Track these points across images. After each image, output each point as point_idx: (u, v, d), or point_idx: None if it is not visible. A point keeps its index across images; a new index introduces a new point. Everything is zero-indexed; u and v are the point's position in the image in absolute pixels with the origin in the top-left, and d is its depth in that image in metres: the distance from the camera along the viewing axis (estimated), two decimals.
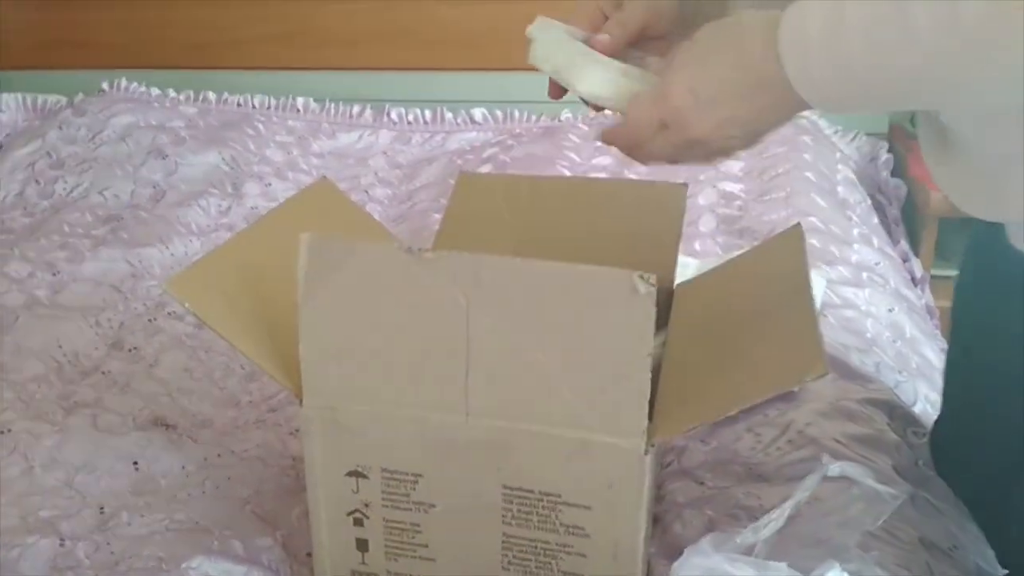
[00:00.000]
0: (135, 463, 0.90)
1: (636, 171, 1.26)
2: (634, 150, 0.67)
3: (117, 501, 0.85)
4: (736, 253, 1.04)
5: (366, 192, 1.52)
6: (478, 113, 1.69)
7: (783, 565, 0.56)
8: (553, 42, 0.72)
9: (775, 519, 0.69)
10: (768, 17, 0.59)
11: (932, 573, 0.73)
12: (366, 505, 0.71)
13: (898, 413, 0.94)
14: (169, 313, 1.18)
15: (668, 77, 0.63)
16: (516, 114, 1.68)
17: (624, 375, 0.63)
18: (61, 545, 0.80)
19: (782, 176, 1.40)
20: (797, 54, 0.57)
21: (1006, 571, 0.73)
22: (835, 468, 0.71)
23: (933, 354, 1.17)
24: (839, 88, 0.57)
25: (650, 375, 0.63)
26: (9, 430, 0.94)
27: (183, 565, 0.77)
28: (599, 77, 0.69)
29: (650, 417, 0.66)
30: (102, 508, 0.84)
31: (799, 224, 0.81)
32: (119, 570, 0.77)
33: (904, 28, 0.52)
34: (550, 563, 0.69)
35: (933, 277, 1.41)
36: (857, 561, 0.65)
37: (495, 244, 0.90)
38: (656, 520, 0.85)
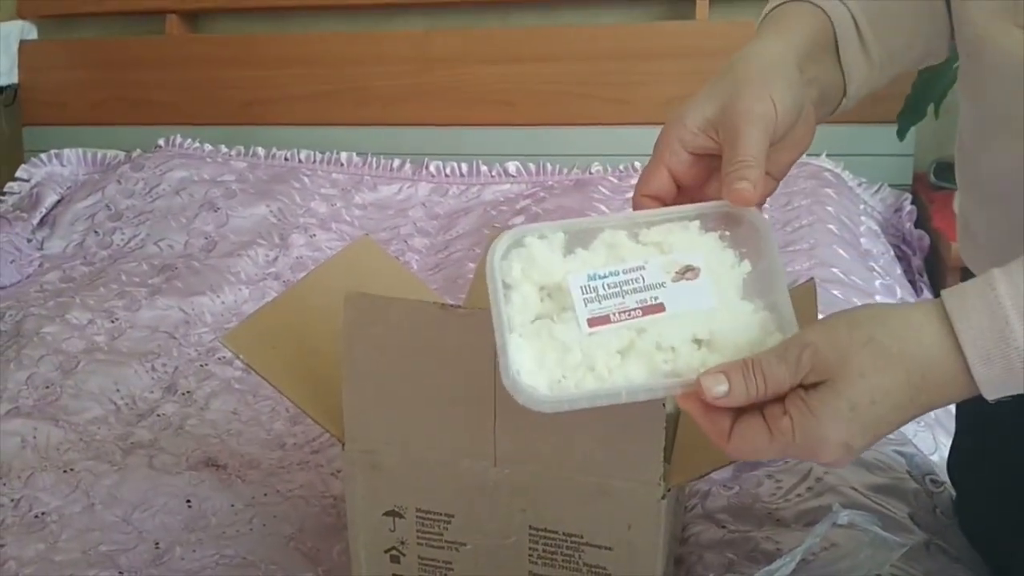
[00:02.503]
0: (188, 501, 0.95)
1: None
2: (720, 443, 0.53)
3: (171, 537, 0.91)
4: None
5: (405, 241, 1.58)
6: (512, 166, 1.75)
7: None
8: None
9: (787, 563, 0.72)
10: (909, 313, 0.50)
11: None
12: (402, 543, 0.76)
13: (916, 462, 0.97)
14: (219, 358, 1.24)
15: (810, 427, 0.49)
16: (548, 167, 1.74)
17: (640, 425, 0.67)
18: None
19: (805, 228, 1.44)
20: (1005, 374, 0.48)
21: None
22: (844, 516, 0.74)
23: (953, 404, 1.19)
24: None
25: (664, 425, 0.67)
26: (72, 469, 1.01)
27: None
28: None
29: (669, 462, 0.70)
30: (157, 543, 0.90)
31: (812, 279, 0.85)
32: None
33: None
34: None
35: None
36: None
37: None
38: (679, 561, 0.88)
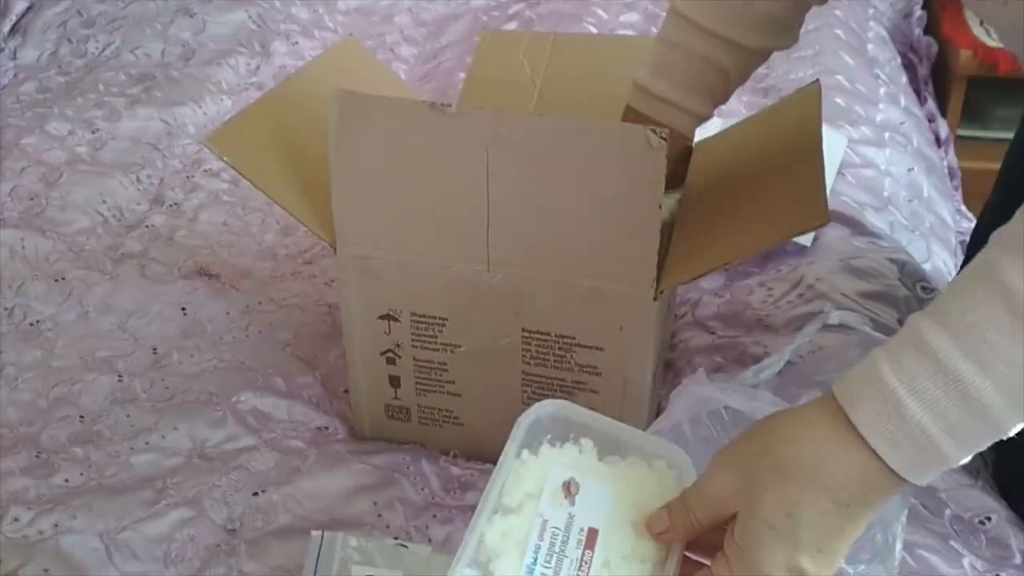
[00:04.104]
0: (183, 309, 0.96)
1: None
2: None
3: (168, 343, 0.92)
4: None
5: (391, 50, 1.52)
6: None
7: (768, 394, 0.61)
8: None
9: (775, 362, 0.74)
10: (801, 413, 0.49)
11: None
12: (397, 345, 0.77)
13: (908, 269, 0.97)
14: (205, 171, 1.22)
15: (745, 561, 0.48)
16: None
17: (635, 226, 0.66)
18: (119, 381, 0.87)
19: (811, 33, 1.37)
20: (906, 440, 0.46)
21: None
22: (835, 316, 0.75)
23: (948, 214, 1.18)
24: (978, 442, 0.47)
25: (659, 226, 0.67)
26: (63, 278, 1.01)
27: (232, 399, 0.84)
28: None
29: (662, 267, 0.70)
30: (155, 349, 0.91)
31: (817, 81, 0.82)
32: (174, 403, 0.85)
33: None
34: (566, 398, 0.75)
35: (959, 138, 1.41)
36: None
37: (517, 100, 0.92)
38: (668, 366, 0.90)
